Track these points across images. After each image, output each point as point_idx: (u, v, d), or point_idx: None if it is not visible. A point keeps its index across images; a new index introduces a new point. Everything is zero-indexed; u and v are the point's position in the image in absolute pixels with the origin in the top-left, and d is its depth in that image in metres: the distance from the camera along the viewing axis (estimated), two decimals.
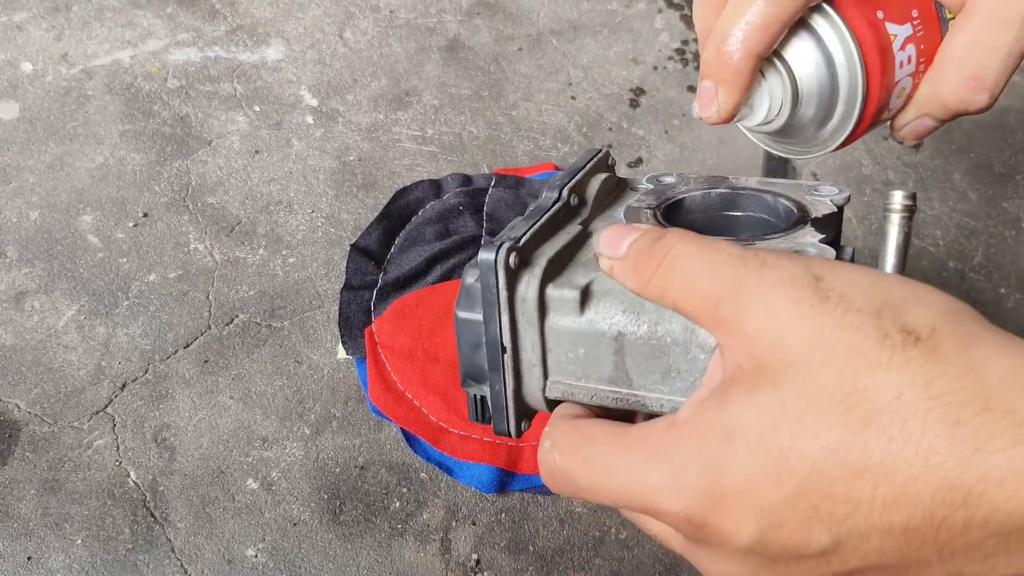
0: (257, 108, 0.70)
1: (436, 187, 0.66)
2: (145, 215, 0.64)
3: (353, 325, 0.59)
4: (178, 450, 0.56)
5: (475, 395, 0.38)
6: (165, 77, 0.70)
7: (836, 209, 0.41)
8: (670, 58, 0.82)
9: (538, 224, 0.37)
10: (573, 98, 0.77)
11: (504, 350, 0.35)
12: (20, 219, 0.62)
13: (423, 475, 0.57)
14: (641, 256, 0.33)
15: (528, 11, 0.82)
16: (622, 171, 0.74)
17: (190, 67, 0.71)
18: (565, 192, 0.39)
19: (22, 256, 0.61)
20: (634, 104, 0.77)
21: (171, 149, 0.67)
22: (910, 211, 0.35)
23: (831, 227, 0.39)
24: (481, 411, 0.39)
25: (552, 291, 0.35)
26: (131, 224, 0.63)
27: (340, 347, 0.59)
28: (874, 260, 0.57)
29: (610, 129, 0.75)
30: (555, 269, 0.36)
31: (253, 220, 0.65)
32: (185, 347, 0.60)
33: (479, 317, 0.35)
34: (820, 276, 0.29)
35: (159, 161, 0.66)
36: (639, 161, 0.74)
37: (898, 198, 0.35)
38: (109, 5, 0.73)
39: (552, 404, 0.38)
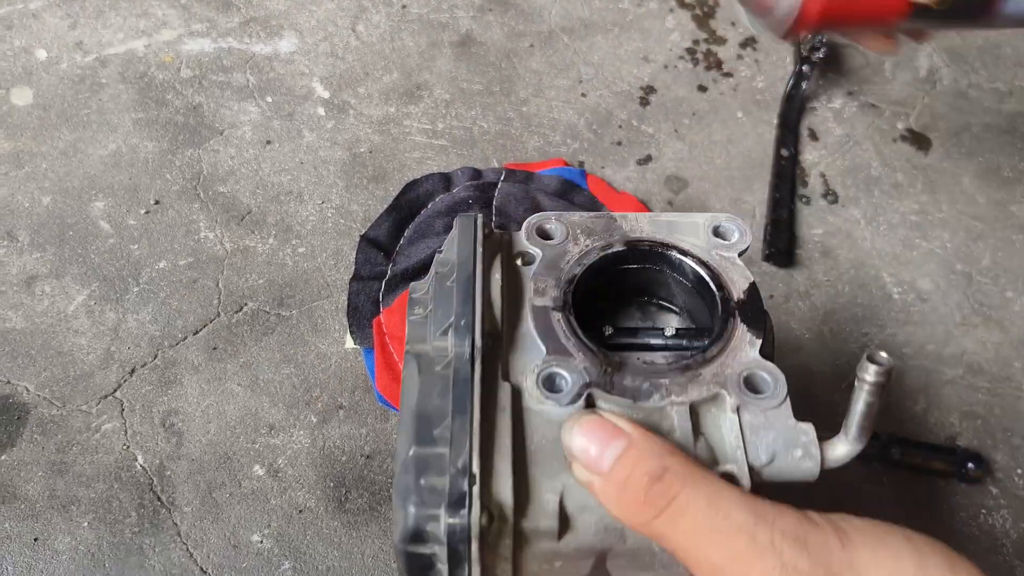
0: (269, 99, 0.71)
1: (446, 180, 0.66)
2: (157, 202, 0.64)
3: (362, 315, 0.60)
4: (186, 435, 0.56)
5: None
6: (179, 67, 0.71)
7: (749, 282, 0.40)
8: (680, 57, 0.82)
9: (475, 429, 0.33)
10: (583, 95, 0.77)
11: None
12: (32, 204, 0.63)
13: None
14: (636, 494, 0.30)
15: (540, 8, 0.82)
16: (630, 168, 0.74)
17: (204, 57, 0.72)
18: (479, 343, 0.35)
19: (34, 241, 0.61)
20: (644, 102, 0.78)
21: (183, 138, 0.67)
22: (882, 384, 0.33)
23: (755, 309, 0.39)
24: None
25: (528, 526, 0.32)
26: (143, 211, 0.64)
27: (348, 336, 0.60)
28: (870, 257, 0.56)
29: (620, 127, 0.75)
30: (520, 490, 0.33)
31: (263, 210, 0.65)
32: (194, 334, 0.60)
33: (435, 553, 0.32)
34: (805, 540, 0.28)
35: (171, 149, 0.67)
36: (648, 159, 0.74)
37: (871, 371, 0.33)
38: None
39: None
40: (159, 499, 0.54)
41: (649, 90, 0.79)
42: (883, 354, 0.33)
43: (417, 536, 0.32)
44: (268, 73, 0.72)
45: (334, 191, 0.67)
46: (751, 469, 0.33)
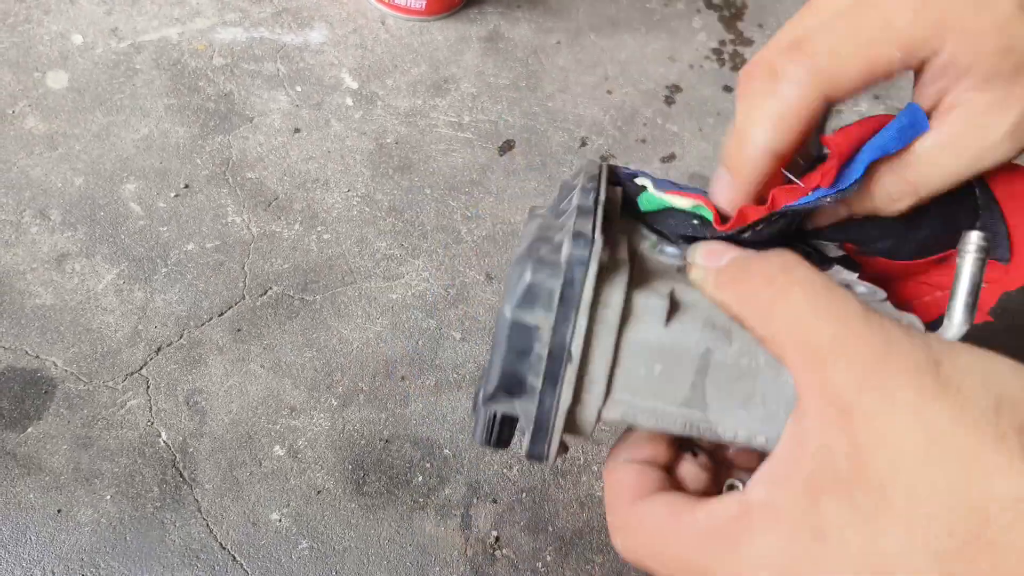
0: (299, 88, 0.72)
1: None
2: (186, 186, 0.65)
3: None
4: (209, 414, 0.57)
5: (494, 413, 0.34)
6: (211, 55, 0.72)
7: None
8: (707, 57, 0.82)
9: (598, 221, 0.33)
10: (609, 92, 0.77)
11: (570, 359, 0.32)
12: (65, 184, 0.64)
13: (447, 451, 0.58)
14: (747, 269, 0.30)
15: (568, 6, 0.82)
16: (654, 165, 0.75)
17: (236, 46, 0.73)
18: (603, 195, 0.35)
19: (65, 220, 0.63)
20: (669, 101, 0.78)
21: (214, 124, 0.68)
22: (985, 250, 0.33)
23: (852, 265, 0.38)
24: (498, 433, 0.34)
25: (639, 297, 0.32)
26: (172, 194, 0.65)
27: None
28: None
29: (644, 124, 0.76)
30: (635, 271, 0.32)
31: (290, 196, 0.66)
32: (219, 315, 0.61)
33: (539, 321, 0.31)
34: (939, 361, 0.26)
35: (202, 135, 0.68)
36: (672, 157, 0.75)
37: (974, 238, 0.33)
38: None
39: (604, 425, 0.34)
40: (181, 475, 0.55)
41: (675, 89, 0.79)
42: (977, 232, 0.34)
43: (530, 294, 0.31)
44: (298, 63, 0.73)
45: (360, 180, 0.68)
46: None
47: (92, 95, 0.68)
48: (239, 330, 0.60)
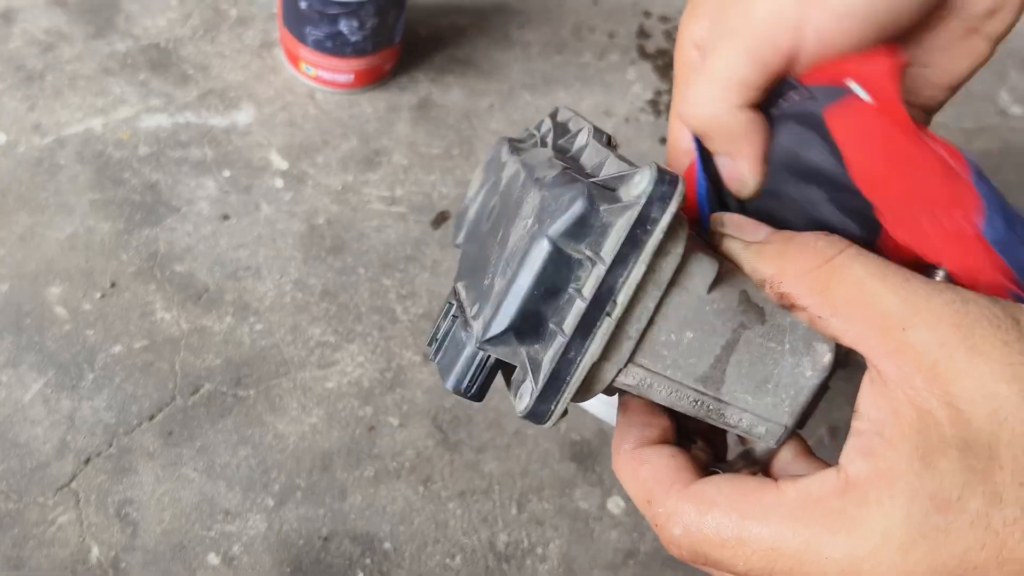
0: (227, 173, 0.71)
1: None
2: (113, 285, 0.64)
3: None
4: (141, 525, 0.56)
5: (487, 357, 0.30)
6: (136, 144, 0.71)
7: None
8: (642, 109, 0.82)
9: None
10: None
11: (613, 309, 0.28)
12: None
13: (387, 545, 0.57)
14: (798, 245, 0.29)
15: (500, 66, 0.82)
16: None
17: (161, 133, 0.72)
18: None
19: None
20: None
21: (140, 217, 0.67)
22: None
23: None
24: (483, 380, 0.31)
25: (694, 257, 0.30)
26: (98, 295, 0.64)
27: None
28: None
29: None
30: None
31: (221, 287, 0.65)
32: (150, 419, 0.60)
33: (582, 255, 0.28)
34: (1017, 319, 0.26)
35: (127, 229, 0.67)
36: None
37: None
38: (82, 74, 0.74)
39: (611, 392, 0.32)
40: None
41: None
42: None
43: (583, 224, 0.27)
44: (226, 146, 0.72)
45: (292, 264, 0.67)
46: None
47: (15, 196, 0.67)
48: (170, 433, 0.59)
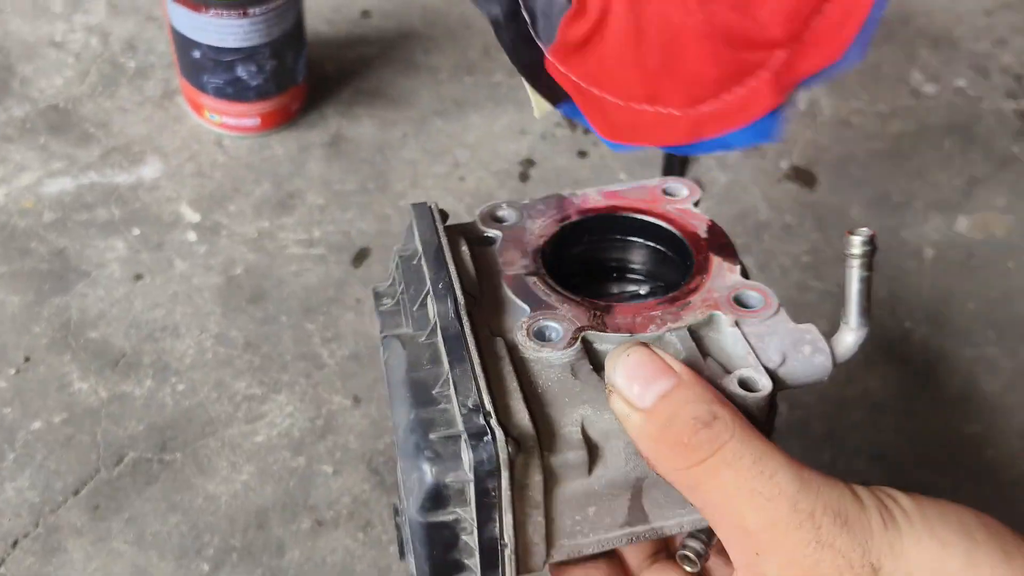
0: (136, 231, 0.69)
1: None
2: (27, 359, 0.62)
3: (530, 62, 0.45)
4: None
5: None
6: (40, 211, 0.69)
7: (709, 221, 0.40)
8: (558, 124, 0.82)
9: (479, 373, 0.31)
10: (462, 179, 0.76)
11: (505, 547, 0.31)
12: None
13: None
14: (673, 435, 0.28)
15: (410, 94, 0.81)
16: None
17: (65, 197, 0.70)
18: (461, 299, 0.34)
19: None
20: (524, 177, 0.77)
21: (49, 286, 0.66)
22: (870, 255, 0.34)
23: (722, 243, 0.39)
24: None
25: (556, 461, 0.30)
26: (12, 371, 0.62)
27: (534, 103, 0.47)
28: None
29: None
30: (539, 426, 0.31)
31: (138, 350, 0.64)
32: (75, 494, 0.58)
33: (457, 515, 0.30)
34: (877, 568, 0.25)
35: (38, 300, 0.65)
36: None
37: (856, 243, 0.33)
38: None
39: (554, 569, 0.35)
40: None
41: (528, 164, 0.78)
42: (862, 228, 0.34)
43: (437, 496, 0.29)
44: (133, 204, 0.71)
45: (211, 319, 0.66)
46: (767, 370, 0.33)
47: None
48: (97, 507, 0.58)
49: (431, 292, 0.35)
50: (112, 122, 0.75)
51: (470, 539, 0.30)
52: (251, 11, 0.65)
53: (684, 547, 0.34)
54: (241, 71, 0.69)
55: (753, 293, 0.36)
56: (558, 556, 0.33)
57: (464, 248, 0.38)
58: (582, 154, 0.80)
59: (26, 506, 0.57)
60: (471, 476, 0.29)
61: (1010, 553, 0.26)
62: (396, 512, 0.36)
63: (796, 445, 0.64)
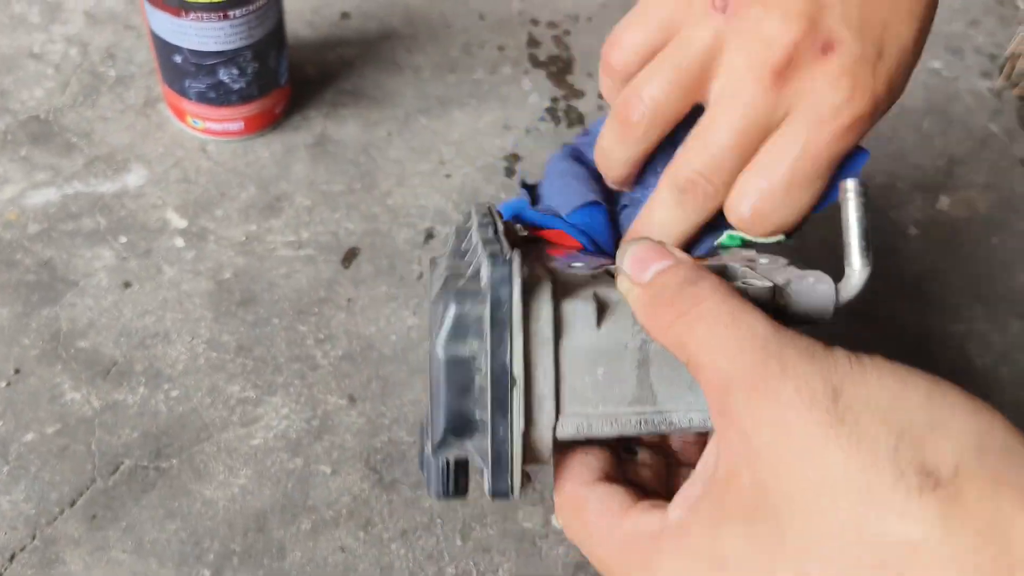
0: (123, 239, 0.69)
1: None
2: (17, 371, 0.62)
3: None
4: None
5: (447, 461, 0.33)
6: (25, 223, 0.69)
7: None
8: (541, 119, 0.82)
9: (503, 240, 0.34)
10: (448, 176, 0.76)
11: (514, 382, 0.31)
12: None
13: None
14: (664, 296, 0.31)
15: (394, 93, 0.81)
16: None
17: (50, 208, 0.70)
18: (500, 224, 0.37)
19: None
20: (510, 172, 0.77)
21: (37, 298, 0.65)
22: (864, 195, 0.36)
23: None
24: (455, 482, 0.34)
25: (567, 305, 0.32)
26: (3, 384, 0.61)
27: None
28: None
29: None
30: (557, 280, 0.33)
31: (129, 358, 0.63)
32: (71, 505, 0.57)
33: (474, 351, 0.31)
34: (839, 391, 0.26)
35: (26, 312, 0.64)
36: None
37: (851, 185, 0.36)
38: None
39: (561, 446, 0.34)
40: None
41: (513, 158, 0.78)
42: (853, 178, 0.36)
43: (459, 325, 0.31)
44: (119, 212, 0.70)
45: (202, 324, 0.65)
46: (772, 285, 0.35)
47: None
48: (94, 517, 0.57)
49: (475, 225, 0.37)
50: (94, 131, 0.75)
51: (484, 380, 0.31)
52: (232, 13, 0.65)
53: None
54: (223, 75, 0.68)
55: (764, 260, 0.39)
56: (567, 427, 0.33)
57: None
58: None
59: (22, 519, 0.57)
60: (488, 293, 0.31)
61: (973, 399, 0.27)
62: (420, 461, 0.37)
63: None
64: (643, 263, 0.32)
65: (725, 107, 0.38)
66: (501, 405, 0.31)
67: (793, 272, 0.36)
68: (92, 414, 0.61)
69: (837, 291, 0.36)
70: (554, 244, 0.44)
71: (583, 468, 0.34)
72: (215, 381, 0.63)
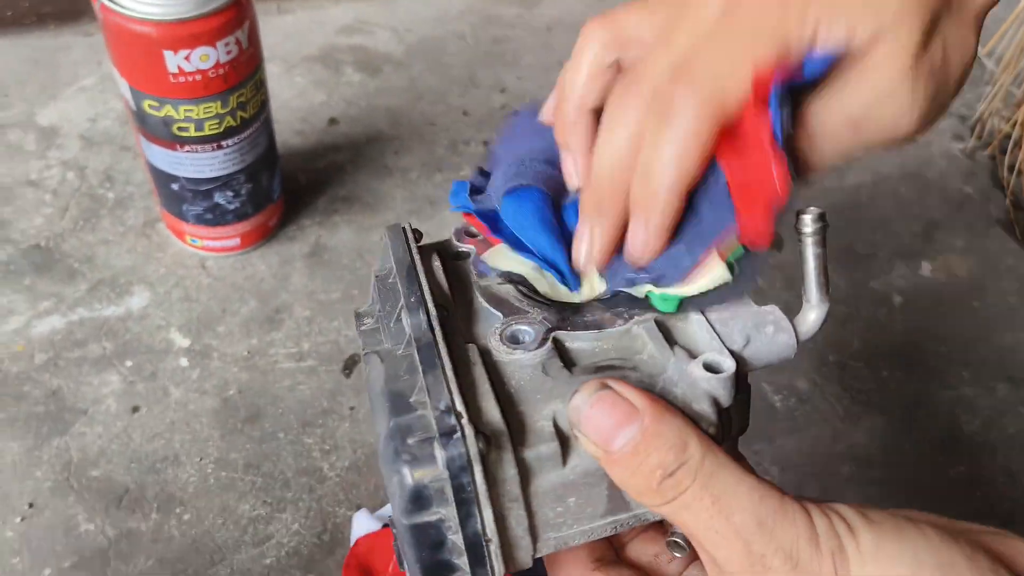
0: (129, 363, 0.71)
1: None
2: (31, 505, 0.63)
3: None
4: None
5: None
6: (31, 353, 0.70)
7: None
8: None
9: (451, 377, 0.32)
10: None
11: (489, 542, 0.32)
12: None
13: None
14: (646, 482, 0.30)
15: (384, 196, 0.84)
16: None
17: (55, 336, 0.71)
18: (432, 310, 0.35)
19: None
20: None
21: (47, 429, 0.67)
22: (823, 230, 0.35)
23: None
24: None
25: (529, 454, 0.32)
26: (18, 519, 0.63)
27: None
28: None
29: None
30: (511, 422, 0.32)
31: (141, 484, 0.65)
32: None
33: (440, 515, 0.31)
34: None
35: (36, 445, 0.66)
36: None
37: (808, 222, 0.35)
38: None
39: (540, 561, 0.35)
40: None
41: None
42: (812, 207, 0.35)
43: (419, 498, 0.31)
44: (124, 335, 0.72)
45: (210, 444, 0.67)
46: (731, 353, 0.34)
47: None
48: None
49: (404, 306, 0.36)
50: (96, 255, 0.77)
51: (456, 538, 0.31)
52: (224, 143, 0.67)
53: (673, 533, 0.35)
54: (219, 198, 0.71)
55: (714, 312, 0.37)
56: (545, 549, 0.33)
57: (436, 263, 0.39)
58: None
59: None
60: (446, 474, 0.30)
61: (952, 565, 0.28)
62: (395, 537, 0.36)
63: None
64: (606, 434, 0.31)
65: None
66: (479, 560, 0.32)
67: (750, 322, 0.36)
68: (107, 544, 0.62)
69: (796, 333, 0.35)
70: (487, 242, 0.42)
71: (577, 561, 0.36)
72: (226, 501, 0.64)
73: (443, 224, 0.82)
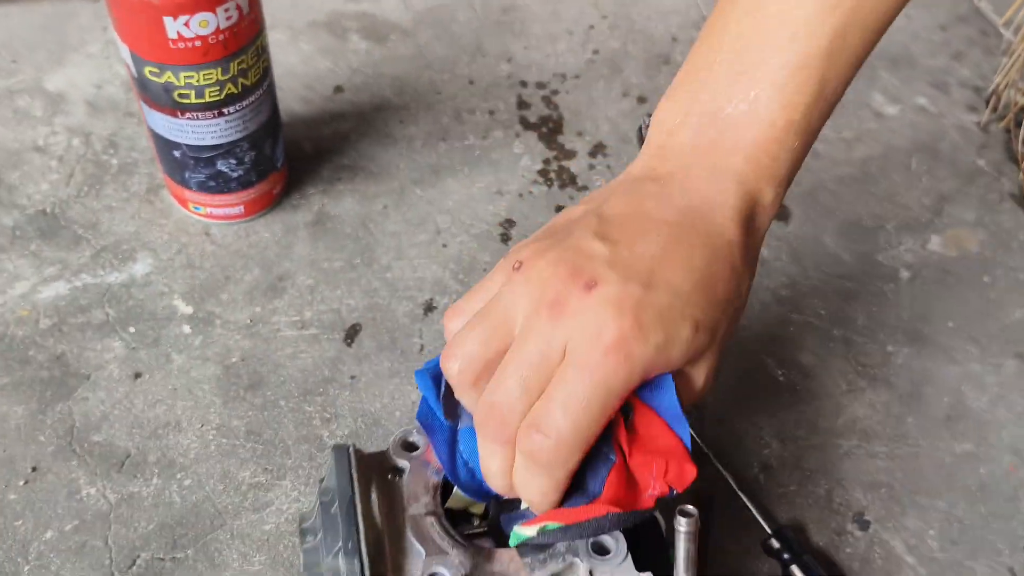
0: (132, 329, 0.71)
1: None
2: (34, 469, 0.64)
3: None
4: None
5: None
6: (36, 318, 0.71)
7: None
8: (534, 181, 0.84)
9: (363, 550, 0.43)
10: (445, 246, 0.78)
11: None
12: None
13: None
14: None
15: (388, 165, 0.83)
16: None
17: (60, 302, 0.72)
18: (367, 561, 0.43)
19: None
20: (505, 238, 0.79)
21: (51, 393, 0.67)
22: (694, 533, 0.44)
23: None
24: None
25: None
26: (21, 482, 0.63)
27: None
28: (749, 344, 0.63)
29: (485, 269, 0.77)
30: None
31: (143, 449, 0.65)
32: None
33: None
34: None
35: (40, 409, 0.66)
36: None
37: (683, 523, 0.44)
38: None
39: None
40: None
41: (508, 224, 0.80)
42: (690, 507, 0.45)
43: None
44: (127, 302, 0.72)
45: (212, 410, 0.67)
46: None
47: None
48: None
49: (342, 550, 0.44)
50: (100, 222, 0.77)
51: None
52: (226, 110, 0.67)
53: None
54: (222, 165, 0.71)
55: (610, 539, 0.45)
56: None
57: (374, 496, 0.47)
58: (560, 209, 0.81)
59: None
60: None
61: None
62: None
63: (792, 479, 0.65)
64: None
65: (515, 344, 0.43)
66: None
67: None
68: (108, 508, 0.62)
69: None
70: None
71: None
72: (227, 467, 0.65)
73: (446, 192, 0.82)
